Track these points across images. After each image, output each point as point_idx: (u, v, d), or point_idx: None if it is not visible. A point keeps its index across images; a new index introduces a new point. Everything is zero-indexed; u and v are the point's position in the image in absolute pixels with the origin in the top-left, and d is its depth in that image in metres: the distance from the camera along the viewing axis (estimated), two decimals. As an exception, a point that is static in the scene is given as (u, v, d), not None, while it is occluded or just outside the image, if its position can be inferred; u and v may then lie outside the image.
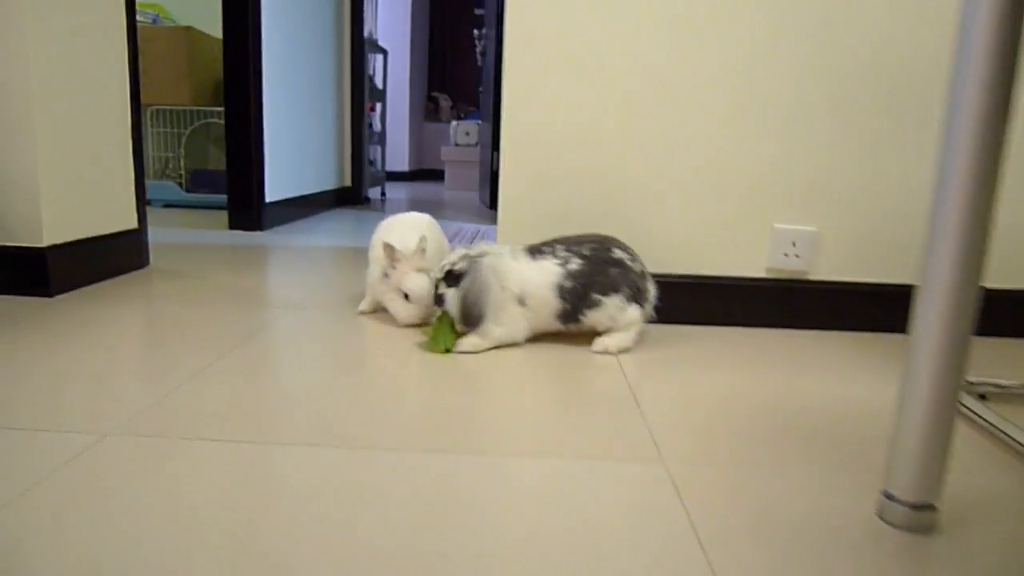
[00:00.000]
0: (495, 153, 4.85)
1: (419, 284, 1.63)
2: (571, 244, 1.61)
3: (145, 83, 2.34)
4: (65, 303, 1.83)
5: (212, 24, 4.03)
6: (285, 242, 3.06)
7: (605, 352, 1.59)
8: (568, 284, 1.56)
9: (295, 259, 2.67)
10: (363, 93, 4.81)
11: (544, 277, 1.56)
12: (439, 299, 1.55)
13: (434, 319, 1.57)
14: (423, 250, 1.65)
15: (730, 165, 1.83)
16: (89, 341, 1.51)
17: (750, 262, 1.88)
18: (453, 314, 1.53)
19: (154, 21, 4.05)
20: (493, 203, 4.95)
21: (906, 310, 1.93)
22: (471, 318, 1.52)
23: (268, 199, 3.39)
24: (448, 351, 1.53)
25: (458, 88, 8.98)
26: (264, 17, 3.26)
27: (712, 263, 1.88)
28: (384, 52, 5.35)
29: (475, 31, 6.45)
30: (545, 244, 1.63)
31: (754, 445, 1.15)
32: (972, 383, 1.43)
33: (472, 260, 1.52)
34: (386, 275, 1.66)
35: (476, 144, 6.76)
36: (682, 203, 1.85)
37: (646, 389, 1.38)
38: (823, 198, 1.85)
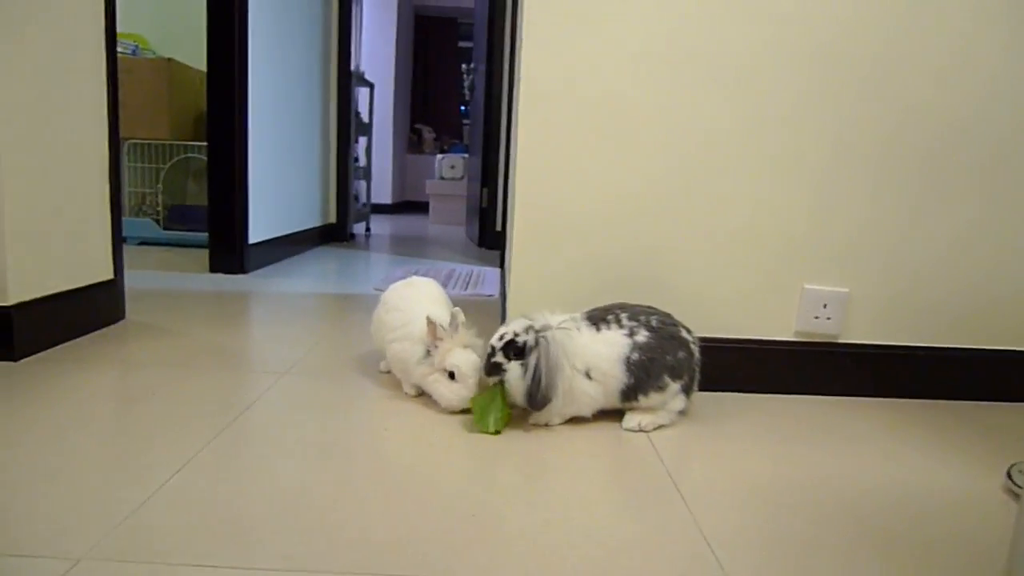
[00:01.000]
0: (484, 189, 4.74)
1: (469, 361, 1.45)
2: (634, 313, 1.49)
3: (123, 116, 2.19)
4: (30, 369, 1.65)
5: (193, 55, 3.89)
6: (270, 287, 2.90)
7: (639, 430, 1.45)
8: (635, 357, 1.43)
9: (282, 309, 2.50)
10: (349, 127, 4.68)
11: (612, 349, 1.43)
12: (493, 369, 1.40)
13: (477, 394, 1.44)
14: (463, 323, 1.49)
15: (762, 224, 1.71)
16: (54, 425, 1.33)
17: (779, 325, 1.76)
18: (515, 390, 1.39)
19: (133, 52, 3.90)
20: (483, 240, 4.82)
21: (939, 374, 1.85)
22: (538, 399, 1.37)
23: (252, 240, 3.22)
24: (498, 432, 1.39)
25: (441, 120, 8.90)
26: (251, 49, 3.12)
27: (740, 326, 1.76)
28: (371, 86, 5.24)
29: (463, 65, 6.38)
30: (604, 311, 1.50)
31: (828, 558, 1.01)
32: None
33: (539, 334, 1.38)
34: (428, 353, 1.48)
35: (462, 177, 6.65)
36: (710, 263, 1.72)
37: (690, 481, 1.23)
38: (855, 259, 1.74)
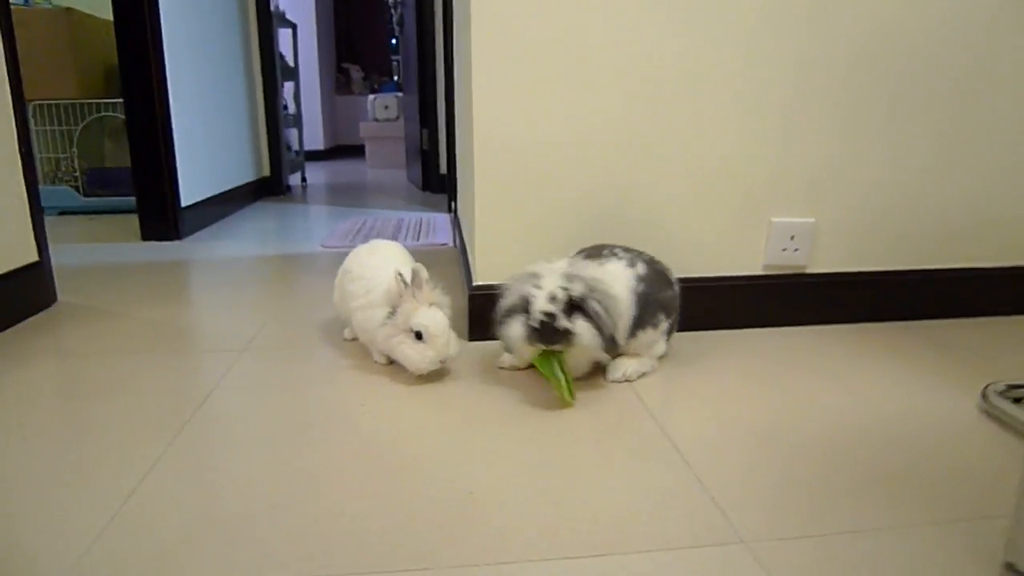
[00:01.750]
0: (424, 130, 4.56)
1: (436, 319, 1.37)
2: (626, 248, 1.46)
3: (24, 76, 1.96)
4: (-43, 369, 1.50)
5: (94, 3, 3.55)
6: (210, 253, 2.74)
7: (623, 380, 1.42)
8: (640, 288, 1.40)
9: (227, 276, 2.36)
10: (275, 72, 4.41)
11: (620, 280, 1.38)
12: (559, 337, 1.26)
13: (537, 364, 1.33)
14: (427, 280, 1.40)
15: (728, 159, 1.66)
16: (-3, 430, 1.21)
17: (749, 260, 1.74)
18: (591, 348, 1.29)
19: (25, 3, 3.53)
20: (427, 184, 4.68)
21: (904, 297, 1.87)
22: (615, 345, 1.33)
23: (185, 202, 3.02)
24: (572, 403, 1.31)
25: (369, 58, 8.52)
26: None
27: (710, 264, 1.73)
28: (293, 26, 4.93)
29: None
30: (595, 248, 1.47)
31: (833, 500, 1.00)
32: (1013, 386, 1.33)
33: (582, 280, 1.29)
34: (391, 315, 1.40)
35: (397, 118, 6.41)
36: (677, 203, 1.67)
37: (682, 433, 1.21)
38: (821, 188, 1.71)
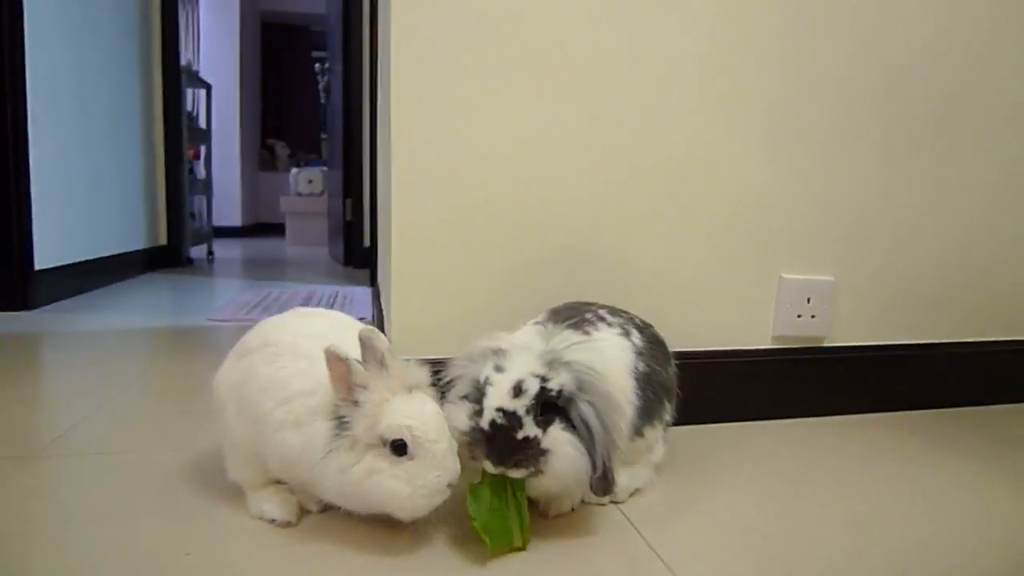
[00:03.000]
0: (348, 200, 4.13)
1: (428, 413, 0.79)
2: (612, 309, 1.02)
3: None
4: None
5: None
6: (64, 326, 2.16)
7: (610, 501, 0.95)
8: (641, 368, 0.94)
9: (70, 354, 1.81)
10: (180, 133, 3.93)
11: (620, 362, 0.93)
12: (521, 454, 0.78)
13: (470, 493, 0.82)
14: (389, 350, 0.82)
15: (729, 202, 1.27)
16: None
17: (754, 329, 1.33)
18: (572, 474, 0.80)
19: None
20: (349, 258, 4.21)
21: (950, 377, 1.48)
22: (609, 478, 0.82)
23: (40, 265, 2.45)
24: (524, 546, 0.82)
25: (296, 135, 8.13)
26: (28, 27, 2.38)
27: (704, 334, 1.31)
28: (207, 87, 4.51)
29: (316, 65, 5.78)
30: (571, 309, 1.00)
31: None
32: None
33: (568, 368, 0.81)
34: (342, 425, 0.78)
35: (322, 193, 5.97)
36: (663, 254, 1.26)
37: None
38: (843, 240, 1.34)
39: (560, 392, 0.79)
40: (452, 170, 1.16)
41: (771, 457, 1.16)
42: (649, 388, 0.94)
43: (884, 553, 0.85)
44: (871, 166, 1.33)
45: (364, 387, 0.77)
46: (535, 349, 0.83)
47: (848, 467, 1.12)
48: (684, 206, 1.26)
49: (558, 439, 0.79)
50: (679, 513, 0.94)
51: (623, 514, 0.92)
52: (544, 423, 0.79)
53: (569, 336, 0.88)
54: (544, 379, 0.79)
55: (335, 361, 0.76)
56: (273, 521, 0.86)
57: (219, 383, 0.91)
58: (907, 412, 1.40)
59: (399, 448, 0.76)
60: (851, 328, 1.37)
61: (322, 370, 0.78)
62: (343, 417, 0.78)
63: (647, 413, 0.94)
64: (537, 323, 0.95)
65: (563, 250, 1.21)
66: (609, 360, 0.89)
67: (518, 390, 0.78)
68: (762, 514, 0.95)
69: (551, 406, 0.79)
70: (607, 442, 0.81)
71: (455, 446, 0.79)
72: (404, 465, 0.76)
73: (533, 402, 0.78)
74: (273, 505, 0.87)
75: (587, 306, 1.00)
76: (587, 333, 0.93)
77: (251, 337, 0.91)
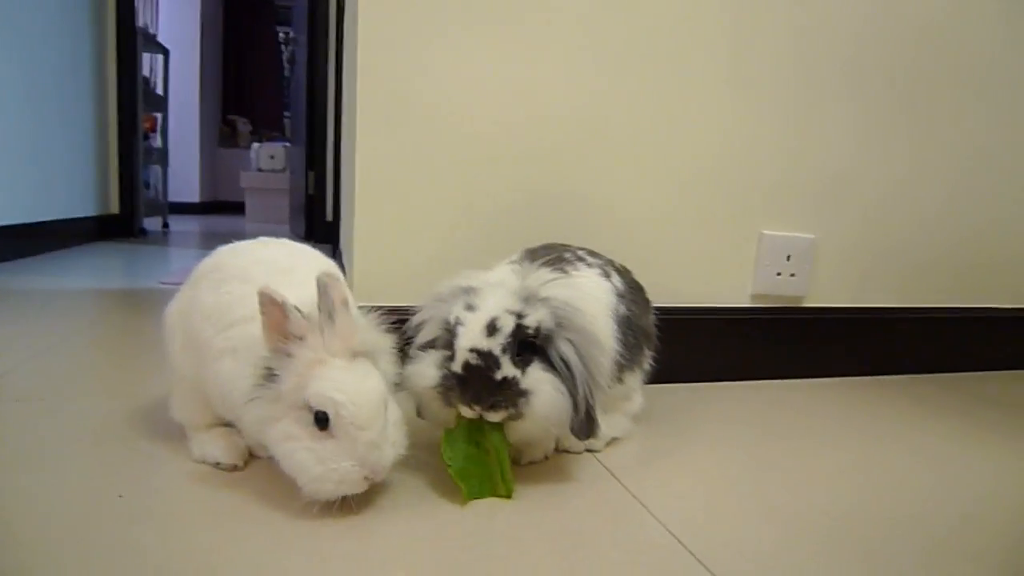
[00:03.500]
0: (311, 172, 4.02)
1: (361, 388, 0.68)
2: (590, 251, 0.95)
3: None
4: None
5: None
6: (12, 285, 2.03)
7: (587, 449, 0.89)
8: (622, 311, 0.88)
9: (31, 310, 1.68)
10: (135, 97, 3.76)
11: (600, 302, 0.87)
12: (498, 396, 0.71)
13: (444, 440, 0.76)
14: (346, 302, 0.70)
15: (710, 156, 1.22)
16: None
17: (733, 286, 1.29)
18: (552, 416, 0.73)
19: None
20: (310, 233, 4.09)
21: (929, 342, 1.43)
22: (591, 417, 0.75)
23: (-23, 225, 2.31)
24: (509, 495, 0.75)
25: (259, 112, 7.91)
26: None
27: (684, 290, 1.26)
28: (165, 51, 4.33)
29: (280, 34, 5.60)
30: (549, 248, 0.93)
31: None
32: None
33: (546, 304, 0.75)
34: (270, 376, 0.69)
35: (283, 169, 5.81)
36: (644, 207, 1.21)
37: (692, 532, 0.69)
38: (825, 198, 1.30)
39: (538, 329, 0.73)
40: (422, 108, 1.08)
41: (749, 414, 1.12)
42: (630, 332, 0.89)
43: (857, 490, 0.81)
44: (855, 127, 1.29)
45: (301, 339, 0.67)
46: (509, 286, 0.77)
47: (826, 425, 1.09)
48: (665, 157, 1.20)
49: (538, 379, 0.73)
50: (658, 463, 0.89)
51: (600, 463, 0.87)
52: (522, 363, 0.73)
53: (546, 274, 0.82)
54: (520, 316, 0.73)
55: (269, 304, 0.67)
56: (217, 464, 0.78)
57: (168, 313, 0.84)
58: (885, 376, 1.37)
59: (321, 421, 0.66)
60: (831, 289, 1.34)
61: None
62: (271, 368, 0.68)
63: (627, 358, 0.88)
64: (511, 262, 0.89)
65: (539, 193, 1.15)
66: (589, 299, 0.83)
67: (492, 328, 0.72)
68: (741, 466, 0.90)
69: (528, 345, 0.74)
70: (589, 382, 0.75)
71: (391, 438, 0.69)
72: (322, 441, 0.66)
73: (509, 340, 0.72)
74: (217, 447, 0.79)
75: (565, 247, 0.95)
76: (565, 272, 0.87)
77: (204, 263, 0.83)
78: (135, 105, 3.77)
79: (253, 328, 0.70)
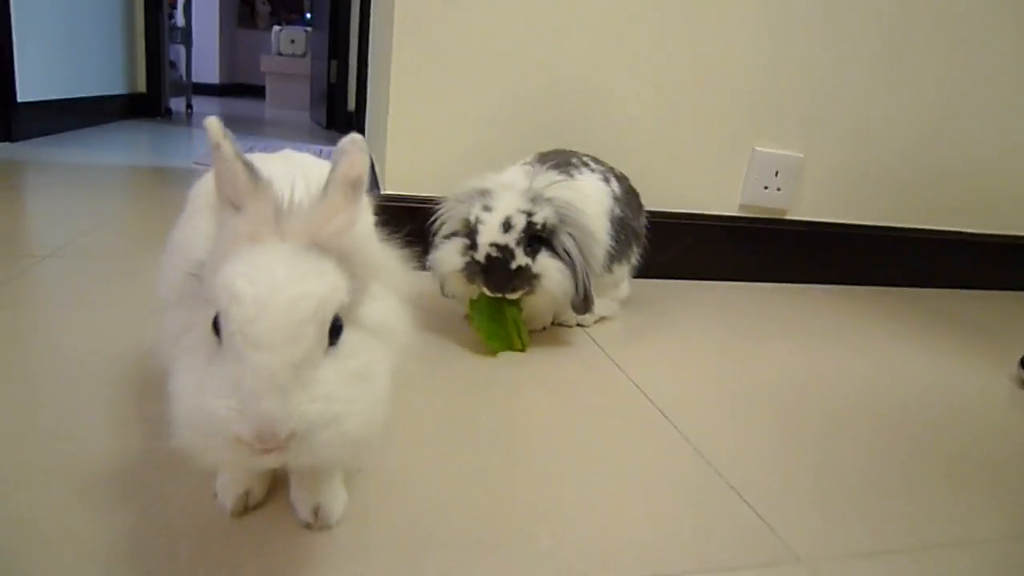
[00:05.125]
0: (334, 61, 4.05)
1: (291, 278, 0.41)
2: (593, 158, 1.10)
3: None
4: None
5: None
6: (48, 157, 2.18)
7: (578, 324, 1.07)
8: (617, 212, 1.04)
9: (60, 183, 1.84)
10: (159, -27, 3.77)
11: (599, 203, 1.02)
12: (518, 280, 0.89)
13: (471, 311, 0.96)
14: (355, 184, 0.46)
15: (707, 72, 1.33)
16: None
17: (723, 196, 1.43)
18: (557, 295, 0.92)
19: None
20: (331, 122, 4.18)
21: (897, 258, 1.58)
22: (588, 295, 0.94)
23: (22, 98, 2.43)
24: (525, 348, 0.96)
25: (278, -8, 7.75)
26: None
27: (677, 197, 1.40)
28: (186, -74, 4.27)
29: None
30: (558, 154, 1.07)
31: (839, 463, 0.69)
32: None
33: (551, 203, 0.91)
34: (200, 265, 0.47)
35: (304, 55, 5.80)
36: (643, 117, 1.33)
37: (662, 391, 0.87)
38: (815, 120, 1.42)
39: (544, 225, 0.89)
40: (456, 18, 1.19)
41: (726, 309, 1.29)
42: (622, 231, 1.04)
43: (810, 379, 0.98)
44: (848, 54, 1.38)
45: (238, 206, 0.45)
46: (519, 187, 0.92)
47: (791, 323, 1.25)
48: (669, 74, 1.31)
49: (546, 265, 0.90)
50: (636, 339, 1.06)
51: (589, 336, 1.04)
52: (532, 252, 0.89)
53: (552, 176, 0.97)
54: (530, 214, 0.89)
55: (217, 151, 0.44)
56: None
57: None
58: (857, 287, 1.53)
59: (215, 326, 0.42)
60: (813, 204, 1.48)
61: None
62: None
63: (618, 253, 1.04)
64: (525, 164, 1.04)
65: (556, 101, 1.27)
66: (588, 200, 0.98)
67: (507, 226, 0.88)
68: (709, 346, 1.08)
69: (536, 237, 0.90)
70: (586, 268, 0.91)
71: (320, 380, 0.41)
72: (213, 364, 0.42)
73: (522, 235, 0.88)
74: None
75: (573, 153, 1.08)
76: (570, 175, 1.01)
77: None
78: (160, -19, 3.78)
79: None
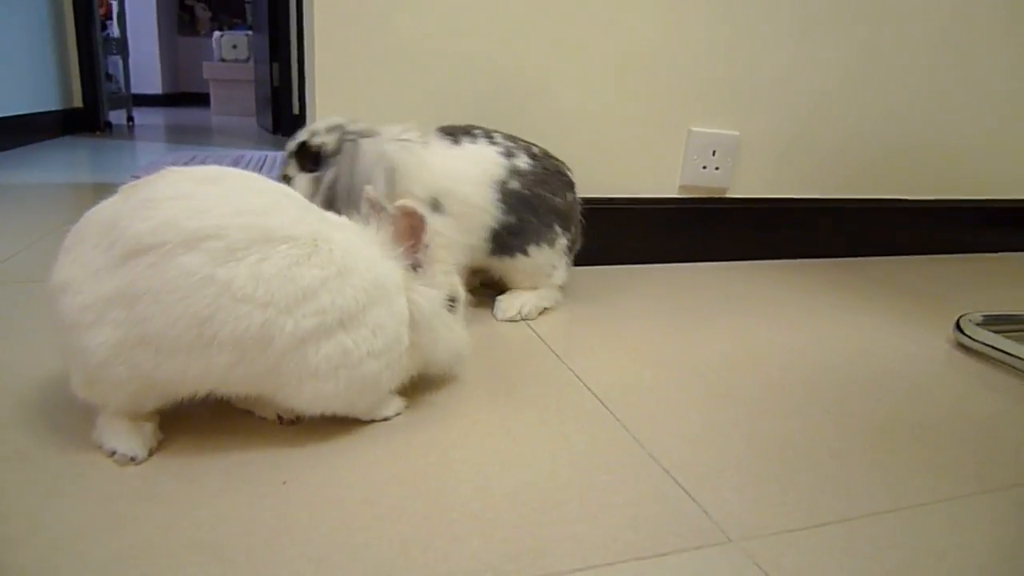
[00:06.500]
0: (275, 64, 3.98)
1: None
2: (508, 135, 1.06)
3: None
4: None
5: None
6: (-24, 180, 2.10)
7: (520, 319, 1.05)
8: (515, 186, 1.01)
9: (9, 205, 1.78)
10: (88, -17, 3.65)
11: (478, 168, 0.99)
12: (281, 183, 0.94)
13: None
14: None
15: (642, 54, 1.33)
16: None
17: (662, 179, 1.43)
18: None
19: None
20: (277, 126, 4.11)
21: (835, 230, 1.62)
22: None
23: (-55, 120, 2.34)
24: None
25: (218, -4, 7.60)
26: None
27: (616, 183, 1.40)
28: (114, -67, 4.15)
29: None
30: (465, 127, 1.05)
31: (803, 447, 0.70)
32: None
33: (348, 136, 0.94)
34: (415, 268, 0.74)
35: (247, 59, 5.69)
36: (581, 102, 1.32)
37: (606, 387, 0.87)
38: (747, 97, 1.42)
39: (316, 148, 0.95)
40: (377, 12, 1.17)
41: (670, 291, 1.29)
42: (527, 210, 1.01)
43: (746, 356, 0.99)
44: (778, 26, 1.39)
45: (429, 248, 0.74)
46: (345, 122, 0.97)
47: (731, 299, 1.26)
48: (603, 54, 1.31)
49: (299, 180, 0.96)
50: (578, 326, 1.06)
51: (530, 327, 1.04)
52: (302, 169, 0.97)
53: (411, 135, 0.98)
54: (313, 134, 0.96)
55: (412, 213, 0.70)
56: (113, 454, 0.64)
57: (72, 302, 0.59)
58: (797, 260, 1.55)
59: (451, 300, 0.79)
60: (751, 181, 1.49)
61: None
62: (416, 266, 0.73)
63: (528, 232, 1.02)
64: (412, 129, 1.00)
65: (487, 87, 1.26)
66: (459, 163, 0.98)
67: (295, 141, 0.98)
68: (650, 330, 1.07)
69: (316, 158, 0.96)
70: (336, 198, 0.92)
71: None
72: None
73: (297, 149, 0.97)
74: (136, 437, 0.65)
75: (485, 129, 1.06)
76: (456, 142, 1.00)
77: (141, 228, 0.59)
78: (89, -8, 3.67)
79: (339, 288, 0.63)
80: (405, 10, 1.18)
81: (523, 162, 1.03)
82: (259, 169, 2.59)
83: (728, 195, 1.48)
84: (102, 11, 3.99)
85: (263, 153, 3.06)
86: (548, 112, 1.30)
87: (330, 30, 1.16)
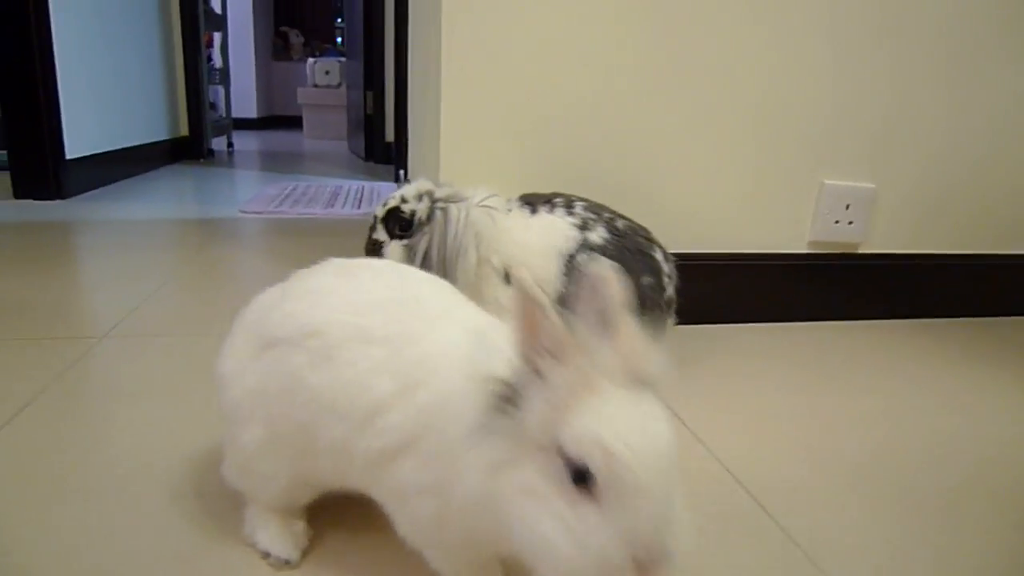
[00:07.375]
0: (369, 92, 4.06)
1: (647, 442, 0.42)
2: (595, 206, 1.01)
3: None
4: None
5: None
6: (97, 215, 2.20)
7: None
8: (585, 259, 0.96)
9: (110, 242, 1.85)
10: (197, 19, 3.83)
11: (548, 239, 0.96)
12: (370, 251, 0.99)
13: None
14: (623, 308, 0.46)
15: (771, 105, 1.26)
16: None
17: (790, 233, 1.35)
18: None
19: None
20: (370, 153, 4.18)
21: (980, 287, 1.48)
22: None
23: (71, 154, 2.47)
24: None
25: (311, 22, 7.88)
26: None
27: (741, 237, 1.32)
28: (220, -32, 4.34)
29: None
30: (550, 195, 1.02)
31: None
32: None
33: (436, 204, 0.94)
34: (511, 400, 0.45)
35: (339, 85, 5.85)
36: (704, 154, 1.26)
37: (747, 468, 0.80)
38: (886, 147, 1.33)
39: (408, 215, 0.95)
40: (502, 70, 1.14)
41: (799, 355, 1.20)
42: None
43: (904, 442, 0.90)
44: (916, 74, 1.30)
45: (556, 356, 0.43)
46: (434, 188, 0.97)
47: (868, 363, 1.17)
48: (725, 109, 1.25)
49: (392, 247, 0.96)
50: (702, 390, 0.99)
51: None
52: (391, 235, 0.97)
53: (495, 201, 0.97)
54: (404, 200, 0.96)
55: (527, 299, 0.43)
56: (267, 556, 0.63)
57: (232, 386, 0.60)
58: (936, 319, 1.43)
59: (582, 477, 0.42)
60: (886, 235, 1.39)
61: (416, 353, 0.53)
62: (516, 387, 0.45)
63: None
64: (498, 195, 1.00)
65: (599, 151, 1.21)
66: (529, 235, 0.96)
67: (384, 205, 0.98)
68: (782, 402, 1.00)
69: (406, 225, 0.95)
70: (432, 266, 0.91)
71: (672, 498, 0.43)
72: (579, 506, 0.42)
73: (387, 214, 0.97)
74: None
75: (567, 198, 1.01)
76: (534, 211, 0.98)
77: (276, 319, 0.59)
78: (197, 25, 3.84)
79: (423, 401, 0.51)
80: (523, 81, 1.15)
81: (598, 235, 0.97)
82: (358, 198, 2.63)
83: (861, 250, 1.38)
84: (205, 40, 4.18)
85: (359, 183, 3.11)
86: (665, 167, 1.25)
87: (456, 96, 1.14)
